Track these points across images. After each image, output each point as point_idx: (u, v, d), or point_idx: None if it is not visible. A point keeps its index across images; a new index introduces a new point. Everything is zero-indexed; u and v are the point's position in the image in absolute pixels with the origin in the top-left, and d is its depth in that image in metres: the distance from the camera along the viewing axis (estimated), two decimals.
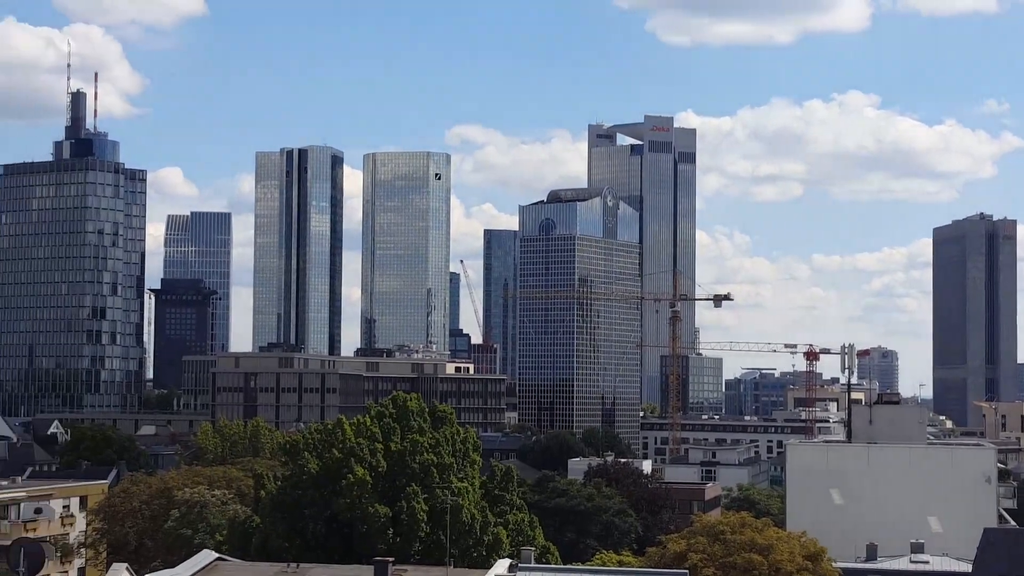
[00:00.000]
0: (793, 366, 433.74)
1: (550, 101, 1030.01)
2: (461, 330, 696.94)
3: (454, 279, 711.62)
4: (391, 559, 60.92)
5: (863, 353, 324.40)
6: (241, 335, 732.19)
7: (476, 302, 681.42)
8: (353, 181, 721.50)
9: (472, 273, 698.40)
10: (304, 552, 70.51)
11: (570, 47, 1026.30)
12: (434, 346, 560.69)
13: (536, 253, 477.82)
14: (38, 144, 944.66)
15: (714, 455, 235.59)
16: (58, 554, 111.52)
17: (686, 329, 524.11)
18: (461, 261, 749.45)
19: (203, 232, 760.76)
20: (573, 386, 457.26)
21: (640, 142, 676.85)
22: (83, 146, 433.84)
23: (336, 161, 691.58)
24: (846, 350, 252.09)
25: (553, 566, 71.50)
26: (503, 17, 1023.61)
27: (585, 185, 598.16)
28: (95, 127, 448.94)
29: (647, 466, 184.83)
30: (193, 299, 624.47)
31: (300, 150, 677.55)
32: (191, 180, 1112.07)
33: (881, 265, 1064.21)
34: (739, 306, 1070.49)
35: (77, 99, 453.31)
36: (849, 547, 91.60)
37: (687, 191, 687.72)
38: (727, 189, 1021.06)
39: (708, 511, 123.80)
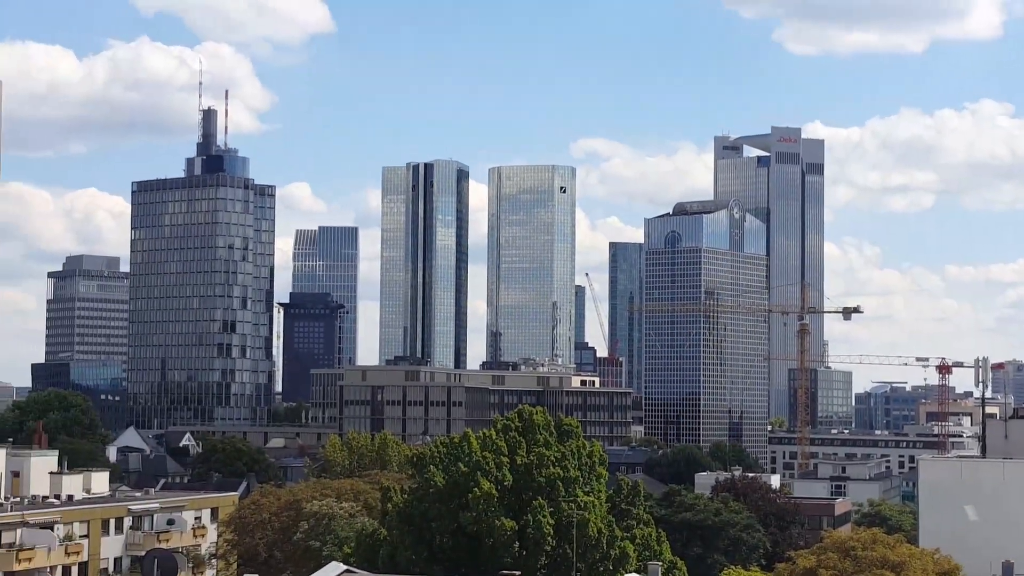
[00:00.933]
0: (925, 380, 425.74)
1: (676, 113, 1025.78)
2: (587, 343, 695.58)
3: (579, 292, 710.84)
4: (517, 573, 60.70)
5: (998, 366, 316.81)
6: (368, 348, 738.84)
7: (601, 315, 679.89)
8: (478, 195, 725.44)
9: (597, 286, 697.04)
10: (431, 565, 70.60)
11: (696, 58, 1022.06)
12: (559, 359, 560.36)
13: (662, 266, 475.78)
14: (171, 161, 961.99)
15: (844, 470, 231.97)
16: (190, 565, 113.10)
17: (815, 342, 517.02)
18: (586, 274, 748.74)
19: (331, 246, 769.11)
20: (700, 399, 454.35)
21: (767, 153, 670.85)
22: (214, 162, 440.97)
23: (462, 175, 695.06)
24: (980, 363, 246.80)
25: None
26: (628, 29, 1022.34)
27: (711, 197, 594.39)
28: (226, 143, 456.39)
29: (775, 481, 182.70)
30: (321, 313, 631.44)
31: (426, 164, 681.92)
32: (319, 195, 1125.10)
33: (1017, 276, 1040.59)
34: (869, 318, 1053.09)
35: (208, 116, 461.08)
36: (984, 565, 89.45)
37: (815, 202, 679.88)
38: (856, 200, 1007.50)
39: (838, 527, 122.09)
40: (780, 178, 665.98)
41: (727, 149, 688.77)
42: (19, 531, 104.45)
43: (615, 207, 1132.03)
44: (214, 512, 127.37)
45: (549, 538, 71.97)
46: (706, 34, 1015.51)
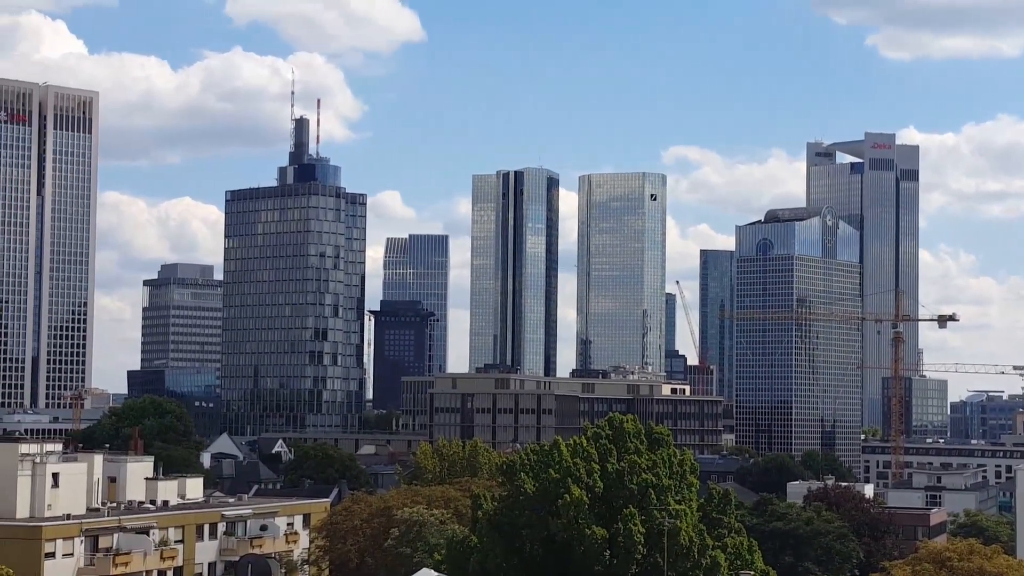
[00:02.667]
0: (1023, 389, 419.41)
1: (767, 120, 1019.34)
2: (677, 351, 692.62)
3: (670, 300, 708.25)
4: None
5: None
6: (458, 356, 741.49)
7: (692, 323, 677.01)
8: (568, 203, 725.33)
9: (688, 294, 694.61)
10: (521, 572, 70.56)
11: (788, 65, 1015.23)
12: (650, 367, 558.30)
13: (753, 273, 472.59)
14: (263, 170, 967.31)
15: (939, 479, 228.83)
16: (283, 570, 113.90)
17: (909, 350, 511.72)
18: (677, 282, 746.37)
19: (421, 254, 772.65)
20: (791, 408, 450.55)
21: (861, 160, 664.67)
22: (306, 171, 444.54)
23: (552, 183, 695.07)
24: None
25: None
26: (719, 37, 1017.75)
27: (803, 204, 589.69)
28: (317, 152, 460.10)
29: (869, 490, 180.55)
30: (411, 321, 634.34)
31: (516, 172, 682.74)
32: (409, 203, 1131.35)
33: None
34: (965, 327, 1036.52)
35: (300, 126, 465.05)
36: None
37: (910, 209, 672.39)
38: (951, 207, 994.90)
39: (933, 537, 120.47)
40: (874, 184, 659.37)
41: (820, 156, 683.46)
42: (116, 536, 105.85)
43: (706, 214, 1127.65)
44: (306, 518, 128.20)
45: (640, 546, 71.62)
46: (799, 41, 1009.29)
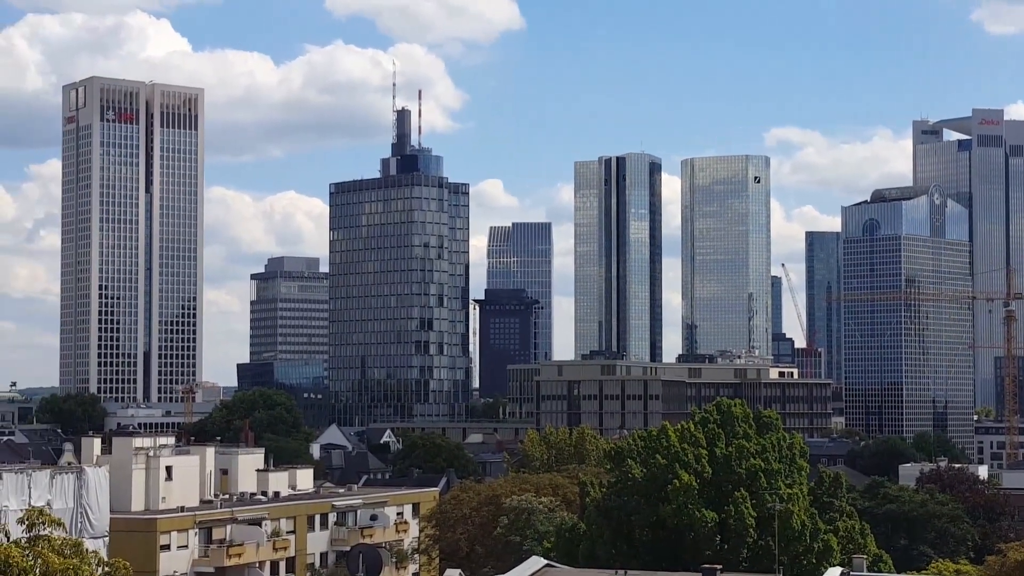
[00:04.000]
0: None
1: (871, 99, 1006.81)
2: (784, 334, 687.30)
3: (775, 283, 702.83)
4: (719, 566, 59.93)
5: None
6: (563, 343, 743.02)
7: (799, 306, 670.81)
8: (671, 187, 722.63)
9: (794, 276, 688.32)
10: (631, 559, 70.18)
11: (890, 42, 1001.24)
12: (756, 351, 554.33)
13: (860, 254, 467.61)
14: (366, 162, 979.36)
15: None
16: (393, 560, 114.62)
17: (1022, 329, 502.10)
18: (782, 264, 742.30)
19: (524, 242, 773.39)
20: (902, 389, 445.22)
21: (968, 137, 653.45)
22: (408, 162, 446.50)
23: (654, 168, 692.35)
24: None
25: (887, 575, 69.18)
26: (819, 15, 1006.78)
27: (910, 183, 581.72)
28: (419, 143, 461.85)
29: (983, 471, 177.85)
30: (516, 309, 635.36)
31: (618, 158, 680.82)
32: (511, 191, 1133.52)
33: None
34: None
35: (402, 117, 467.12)
36: None
37: (1020, 186, 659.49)
38: None
39: None
40: (982, 161, 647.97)
41: (926, 134, 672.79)
42: (229, 527, 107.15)
43: (810, 196, 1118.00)
44: (415, 508, 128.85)
45: (751, 530, 71.00)
46: (901, 17, 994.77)
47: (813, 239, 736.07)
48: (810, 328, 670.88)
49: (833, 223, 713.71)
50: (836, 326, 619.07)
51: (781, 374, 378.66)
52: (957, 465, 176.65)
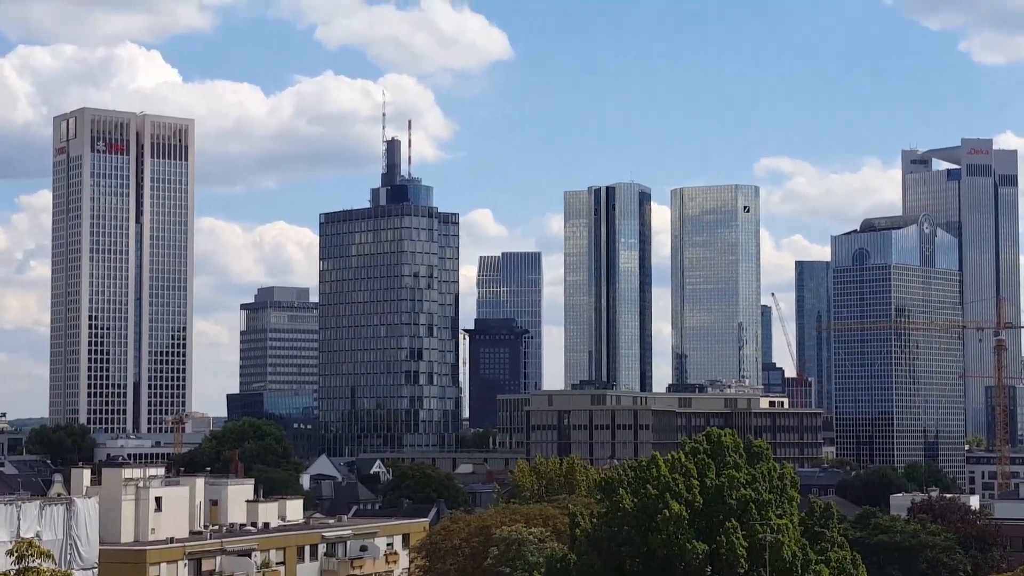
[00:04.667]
0: None
1: (860, 128, 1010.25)
2: (774, 364, 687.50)
3: (765, 312, 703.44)
4: None
5: None
6: (553, 373, 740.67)
7: (789, 335, 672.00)
8: (661, 217, 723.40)
9: (784, 306, 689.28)
10: None
11: (879, 72, 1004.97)
12: (747, 380, 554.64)
13: (850, 284, 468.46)
14: (356, 192, 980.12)
15: None
16: None
17: (1012, 358, 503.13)
18: (772, 294, 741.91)
19: (514, 272, 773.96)
20: (893, 419, 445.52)
21: (957, 166, 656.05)
22: (398, 192, 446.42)
23: (644, 197, 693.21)
24: None
25: None
26: (807, 46, 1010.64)
27: (900, 213, 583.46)
28: (409, 173, 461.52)
29: (975, 501, 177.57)
30: (506, 338, 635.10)
31: (608, 188, 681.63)
32: (501, 221, 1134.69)
33: None
34: None
35: (392, 147, 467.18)
36: None
37: (1009, 215, 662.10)
38: None
39: None
40: (972, 191, 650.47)
41: (915, 163, 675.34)
42: (219, 559, 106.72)
43: (800, 225, 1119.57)
44: (405, 538, 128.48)
45: (743, 561, 70.89)
46: (889, 47, 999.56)
47: (803, 268, 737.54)
48: (800, 357, 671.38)
49: (823, 252, 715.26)
50: (826, 355, 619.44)
51: (771, 404, 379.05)
52: (949, 495, 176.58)
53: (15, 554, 61.97)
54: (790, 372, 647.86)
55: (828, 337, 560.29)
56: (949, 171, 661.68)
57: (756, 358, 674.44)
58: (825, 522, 79.05)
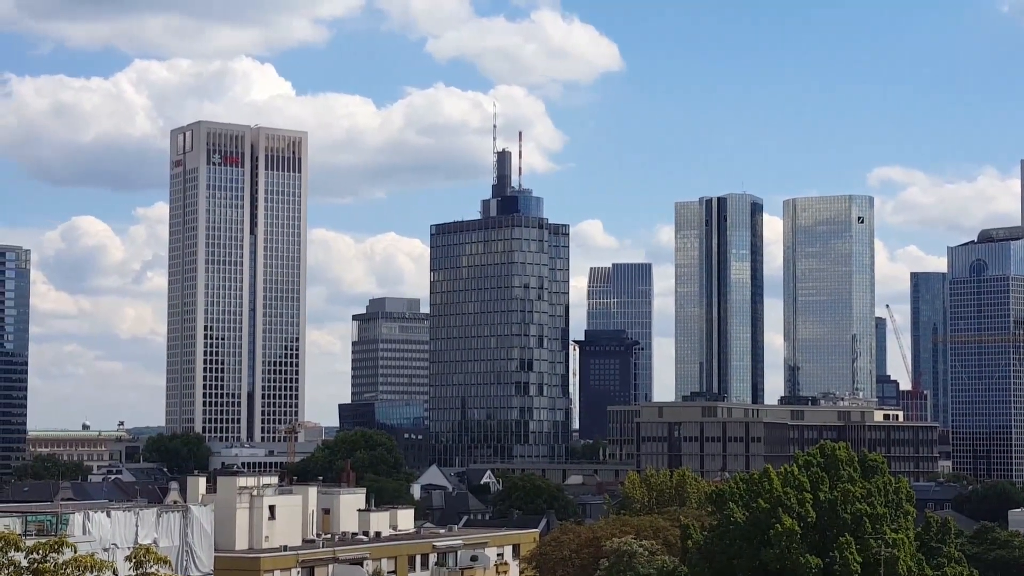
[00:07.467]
0: None
1: (976, 137, 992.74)
2: (888, 376, 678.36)
3: (880, 324, 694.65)
4: None
5: None
6: (664, 385, 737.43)
7: (904, 347, 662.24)
8: (773, 227, 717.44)
9: (899, 317, 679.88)
10: None
11: (995, 80, 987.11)
12: (861, 393, 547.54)
13: (967, 295, 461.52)
14: (466, 203, 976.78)
15: None
16: None
17: None
18: (887, 306, 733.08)
19: (624, 283, 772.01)
20: (1011, 433, 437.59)
21: None
22: (509, 203, 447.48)
23: (755, 208, 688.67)
24: None
25: None
26: (921, 54, 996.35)
27: (1018, 223, 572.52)
28: (520, 184, 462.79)
29: None
30: (616, 350, 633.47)
31: (719, 198, 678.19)
32: (611, 232, 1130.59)
33: None
34: None
35: (502, 158, 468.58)
36: None
37: None
38: None
39: None
40: None
41: None
42: (331, 567, 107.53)
43: (914, 236, 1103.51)
44: (516, 549, 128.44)
45: None
46: (1005, 55, 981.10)
47: (918, 280, 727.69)
48: (915, 370, 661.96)
49: (938, 263, 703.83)
50: (942, 368, 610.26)
51: (886, 416, 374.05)
52: None
53: (133, 560, 63.08)
54: (905, 385, 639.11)
55: (944, 349, 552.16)
56: None
57: (870, 371, 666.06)
58: (942, 537, 77.91)
